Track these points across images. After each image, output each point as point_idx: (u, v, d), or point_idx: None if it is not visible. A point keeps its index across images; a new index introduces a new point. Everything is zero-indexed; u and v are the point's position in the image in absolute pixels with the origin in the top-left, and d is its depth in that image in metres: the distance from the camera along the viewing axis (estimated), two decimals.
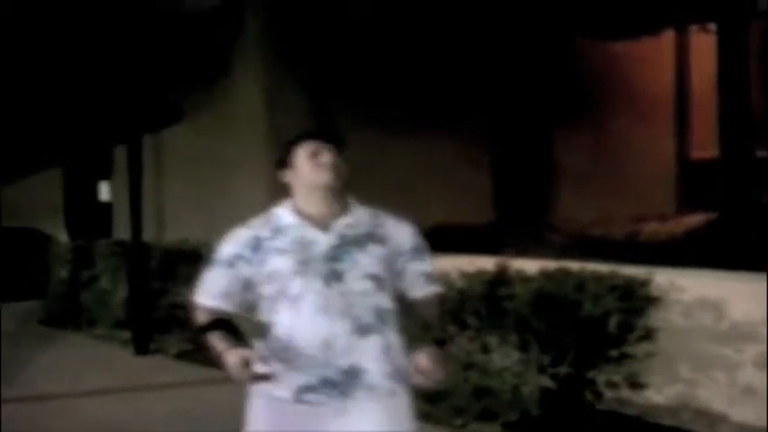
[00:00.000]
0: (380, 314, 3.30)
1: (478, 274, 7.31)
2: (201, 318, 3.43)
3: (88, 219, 18.01)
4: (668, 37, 15.28)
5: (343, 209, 3.40)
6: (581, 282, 6.83)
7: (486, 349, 7.10)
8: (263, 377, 3.17)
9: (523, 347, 6.86)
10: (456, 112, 13.50)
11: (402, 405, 3.37)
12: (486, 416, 6.98)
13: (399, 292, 3.42)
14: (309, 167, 3.40)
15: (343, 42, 12.72)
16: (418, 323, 3.42)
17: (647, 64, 15.65)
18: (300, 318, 3.23)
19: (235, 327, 3.33)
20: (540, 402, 6.77)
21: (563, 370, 6.73)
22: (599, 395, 6.83)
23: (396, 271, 3.39)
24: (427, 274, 3.47)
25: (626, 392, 6.79)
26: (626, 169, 15.13)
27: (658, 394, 6.76)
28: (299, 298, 3.24)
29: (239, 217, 3.65)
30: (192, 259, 11.20)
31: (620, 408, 6.85)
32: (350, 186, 3.54)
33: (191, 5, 13.26)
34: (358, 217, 3.41)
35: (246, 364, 3.08)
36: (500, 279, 7.20)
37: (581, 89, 14.71)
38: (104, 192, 18.38)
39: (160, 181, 14.05)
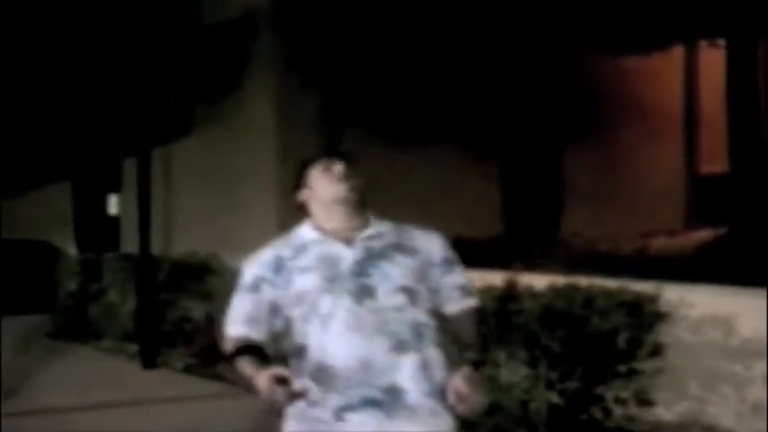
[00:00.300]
0: (417, 329, 3.13)
1: (487, 289, 7.29)
2: (229, 347, 3.24)
3: (97, 232, 18.03)
4: (677, 52, 15.28)
5: (365, 223, 3.29)
6: (590, 297, 6.80)
7: (494, 364, 7.08)
8: (299, 395, 3.03)
9: (532, 363, 6.84)
10: (466, 127, 13.51)
11: (444, 423, 3.17)
12: None
13: (435, 309, 3.25)
14: (324, 183, 3.30)
15: (355, 56, 12.74)
16: (455, 342, 3.26)
17: (656, 79, 15.65)
18: (333, 338, 3.08)
19: (264, 352, 3.17)
20: (549, 418, 6.75)
21: (571, 386, 6.70)
22: (608, 411, 6.80)
23: (430, 286, 3.24)
24: (462, 287, 3.33)
25: (634, 409, 6.76)
26: (635, 184, 15.11)
27: (667, 411, 6.72)
28: (329, 317, 3.09)
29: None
30: (201, 273, 11.23)
31: (629, 424, 6.82)
32: (368, 198, 3.45)
33: (204, 19, 13.31)
34: (380, 229, 3.29)
35: (279, 382, 2.92)
36: (509, 294, 7.18)
37: (590, 104, 14.71)
38: (113, 205, 18.40)
39: (169, 194, 14.07)
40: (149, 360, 10.93)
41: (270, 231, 4.41)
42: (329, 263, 3.16)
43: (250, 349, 3.15)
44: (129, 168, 14.65)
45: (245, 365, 3.10)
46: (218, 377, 9.57)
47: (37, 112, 13.79)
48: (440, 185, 13.35)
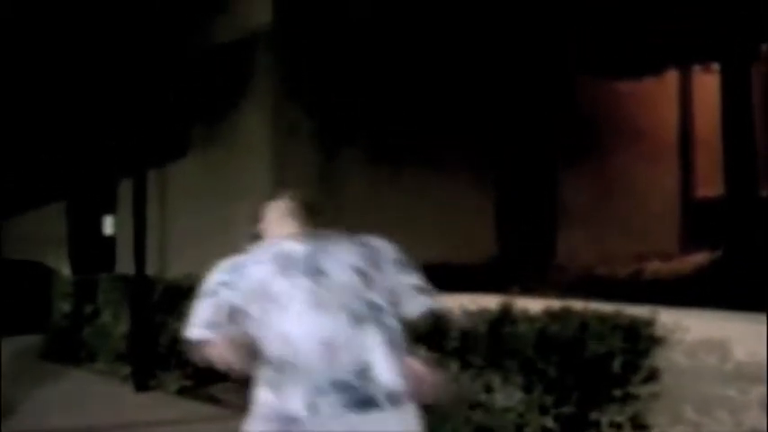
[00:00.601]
0: (374, 307, 3.25)
1: (482, 313, 7.28)
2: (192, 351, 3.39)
3: (91, 252, 17.99)
4: (672, 76, 15.33)
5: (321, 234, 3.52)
6: (585, 321, 6.79)
7: (489, 389, 7.05)
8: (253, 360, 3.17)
9: (527, 387, 6.82)
10: (462, 150, 13.53)
11: (412, 409, 3.31)
12: None
13: (395, 308, 3.36)
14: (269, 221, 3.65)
15: (353, 79, 12.77)
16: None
17: (650, 103, 15.70)
18: (294, 318, 3.19)
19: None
20: None
21: (566, 410, 6.68)
22: None
23: (385, 283, 3.36)
24: (419, 287, 3.46)
25: None
26: (630, 208, 15.13)
27: None
28: (288, 298, 3.22)
29: (244, 252, 3.68)
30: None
31: None
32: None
33: (201, 41, 13.34)
34: (330, 233, 3.52)
35: (232, 347, 3.12)
36: (504, 318, 7.17)
37: (586, 127, 14.74)
38: (108, 225, 18.38)
39: (164, 215, 14.06)
40: (142, 382, 10.88)
41: None
42: (283, 255, 3.36)
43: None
44: (125, 189, 14.63)
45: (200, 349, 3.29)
46: (211, 399, 9.54)
47: (33, 133, 13.79)
48: (434, 207, 13.35)
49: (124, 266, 13.99)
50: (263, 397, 3.24)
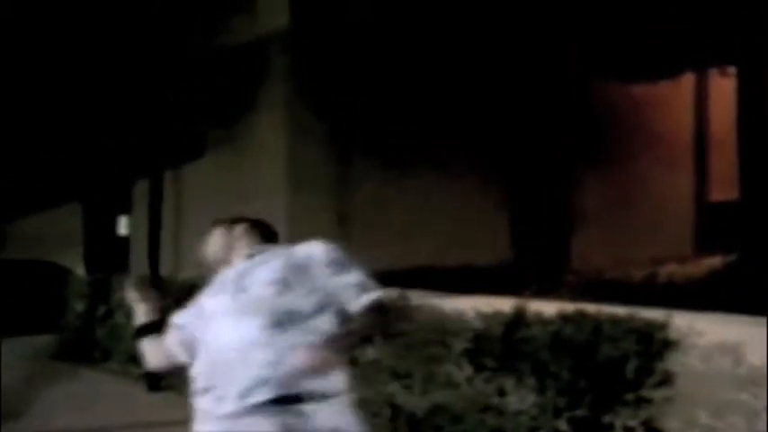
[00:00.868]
0: (291, 314, 3.43)
1: (496, 316, 7.27)
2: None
3: (106, 253, 18.03)
4: (688, 80, 15.29)
5: (261, 250, 3.78)
6: (599, 324, 6.77)
7: (502, 392, 7.04)
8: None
9: (540, 390, 6.80)
10: (476, 154, 13.51)
11: (343, 402, 3.42)
12: None
13: (339, 310, 3.50)
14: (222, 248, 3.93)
15: (367, 82, 12.78)
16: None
17: (666, 107, 15.66)
18: (217, 330, 3.54)
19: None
20: None
21: (579, 413, 6.66)
22: None
23: (319, 284, 3.53)
24: (358, 284, 3.56)
25: None
26: (644, 211, 15.09)
27: None
28: (212, 315, 3.60)
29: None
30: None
31: None
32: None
33: (217, 42, 13.36)
34: (272, 249, 3.77)
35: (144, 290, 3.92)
36: (518, 321, 7.15)
37: (600, 131, 14.71)
38: (122, 225, 18.42)
39: (178, 215, 14.08)
40: (154, 383, 10.90)
41: None
42: (220, 281, 3.74)
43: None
44: (140, 190, 14.67)
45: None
46: None
47: (49, 133, 13.83)
48: (449, 211, 13.34)
49: (138, 267, 14.03)
50: (200, 403, 3.61)
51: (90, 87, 12.98)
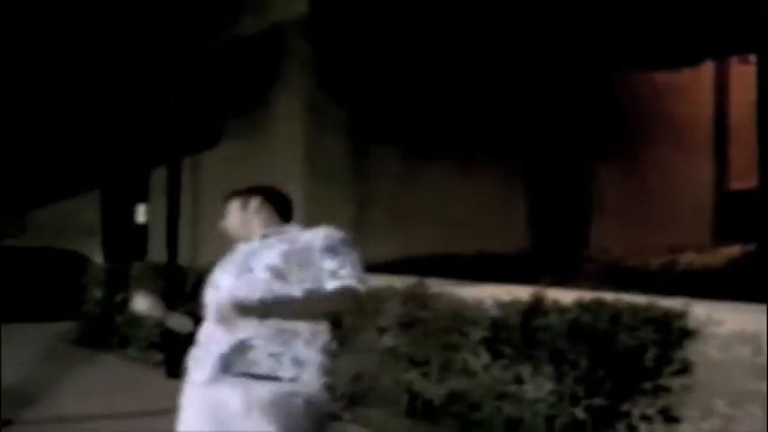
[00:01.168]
0: (276, 298, 3.80)
1: (514, 304, 7.27)
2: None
3: (124, 241, 18.11)
4: (708, 68, 15.21)
5: (276, 232, 4.11)
6: (617, 313, 6.76)
7: (519, 380, 7.04)
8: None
9: (557, 378, 6.80)
10: (494, 142, 13.49)
11: (286, 387, 3.77)
12: None
13: (318, 285, 3.86)
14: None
15: (386, 72, 12.76)
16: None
17: (686, 95, 15.58)
18: (218, 299, 3.93)
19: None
20: None
21: (597, 402, 6.65)
22: (633, 429, 6.74)
23: (312, 267, 3.87)
24: (331, 271, 3.85)
25: (660, 426, 6.69)
26: (663, 199, 15.04)
27: (694, 429, 6.65)
28: (219, 285, 4.01)
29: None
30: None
31: None
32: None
33: (236, 31, 13.37)
34: (288, 230, 4.11)
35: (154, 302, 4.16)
36: (536, 309, 7.14)
37: (619, 119, 14.66)
38: (141, 214, 18.49)
39: (196, 204, 14.12)
40: (173, 369, 10.94)
41: None
42: (233, 253, 4.12)
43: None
44: (158, 178, 14.72)
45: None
46: None
47: (68, 123, 13.88)
48: (468, 199, 13.32)
49: (156, 255, 14.08)
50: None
51: (108, 78, 13.02)
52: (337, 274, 3.84)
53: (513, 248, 12.90)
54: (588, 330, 6.73)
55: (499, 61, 13.29)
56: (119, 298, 13.14)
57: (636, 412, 6.68)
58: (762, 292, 7.43)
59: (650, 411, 6.64)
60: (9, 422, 8.22)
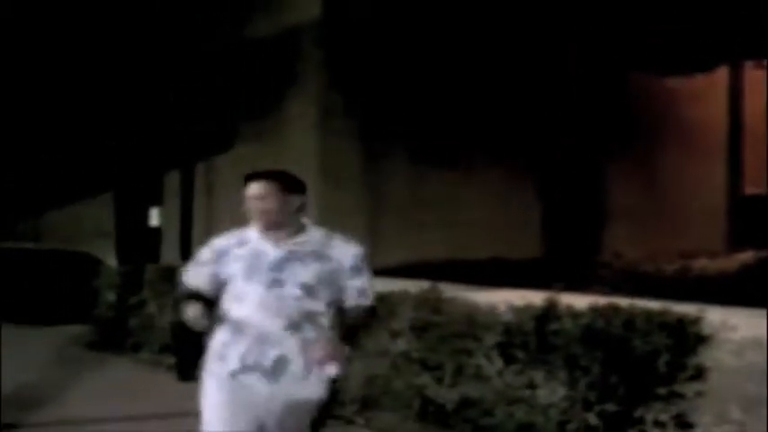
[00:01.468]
0: (309, 315, 4.10)
1: (527, 309, 7.25)
2: (184, 290, 4.42)
3: (138, 243, 18.14)
4: (722, 72, 15.17)
5: (297, 230, 4.21)
6: (630, 318, 6.73)
7: (532, 385, 7.02)
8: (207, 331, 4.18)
9: (570, 384, 6.78)
10: (508, 148, 13.48)
11: (314, 386, 4.13)
12: None
13: (338, 302, 4.21)
14: (247, 200, 4.25)
15: (399, 76, 12.76)
16: (341, 325, 4.23)
17: (700, 99, 15.54)
18: (245, 312, 4.12)
19: (208, 301, 4.23)
20: None
21: (610, 408, 6.63)
22: None
23: (338, 285, 4.19)
24: (360, 289, 4.23)
25: None
26: (677, 205, 15.00)
27: None
28: (245, 297, 4.12)
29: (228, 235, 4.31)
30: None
31: None
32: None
33: (247, 35, 13.38)
34: (310, 237, 4.22)
35: (202, 315, 4.10)
36: (549, 314, 7.12)
37: (633, 124, 14.63)
38: (154, 217, 18.52)
39: (209, 206, 14.14)
40: (186, 372, 10.94)
41: None
42: (256, 257, 4.17)
43: (198, 296, 4.28)
44: (171, 181, 14.74)
45: (188, 303, 4.23)
46: None
47: (82, 125, 13.92)
48: (481, 205, 13.31)
49: (169, 257, 14.09)
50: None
51: (122, 82, 13.05)
52: (366, 293, 4.26)
53: (526, 253, 12.88)
54: (602, 336, 6.71)
55: (513, 67, 13.28)
56: (132, 301, 13.14)
57: (649, 418, 6.65)
58: None
59: (663, 417, 6.62)
60: (12, 426, 8.22)
